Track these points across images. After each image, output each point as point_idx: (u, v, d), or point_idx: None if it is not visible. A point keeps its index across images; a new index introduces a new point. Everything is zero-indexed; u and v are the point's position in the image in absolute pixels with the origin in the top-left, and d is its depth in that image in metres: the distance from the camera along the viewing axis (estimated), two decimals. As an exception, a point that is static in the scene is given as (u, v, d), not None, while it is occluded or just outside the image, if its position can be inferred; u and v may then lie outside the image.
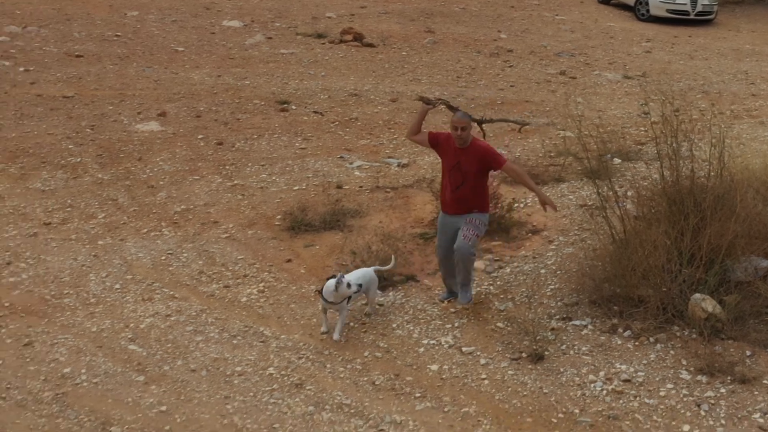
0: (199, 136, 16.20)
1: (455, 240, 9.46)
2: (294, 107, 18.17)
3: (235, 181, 14.23)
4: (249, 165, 14.96)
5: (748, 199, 10.63)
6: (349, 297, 9.35)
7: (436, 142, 9.64)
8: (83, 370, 9.15)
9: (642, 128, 17.07)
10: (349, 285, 9.17)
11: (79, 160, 14.91)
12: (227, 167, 14.82)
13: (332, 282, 9.15)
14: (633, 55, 25.14)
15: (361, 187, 13.99)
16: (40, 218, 12.77)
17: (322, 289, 9.30)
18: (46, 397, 8.69)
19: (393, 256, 10.54)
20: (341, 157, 15.44)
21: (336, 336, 9.40)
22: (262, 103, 18.41)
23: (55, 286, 10.83)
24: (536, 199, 12.81)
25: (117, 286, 10.88)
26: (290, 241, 12.15)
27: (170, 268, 11.38)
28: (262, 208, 13.18)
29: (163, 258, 11.63)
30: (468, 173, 9.31)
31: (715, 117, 15.28)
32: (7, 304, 10.38)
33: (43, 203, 13.26)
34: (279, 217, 12.83)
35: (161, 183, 14.13)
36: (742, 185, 10.74)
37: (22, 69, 20.17)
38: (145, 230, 12.48)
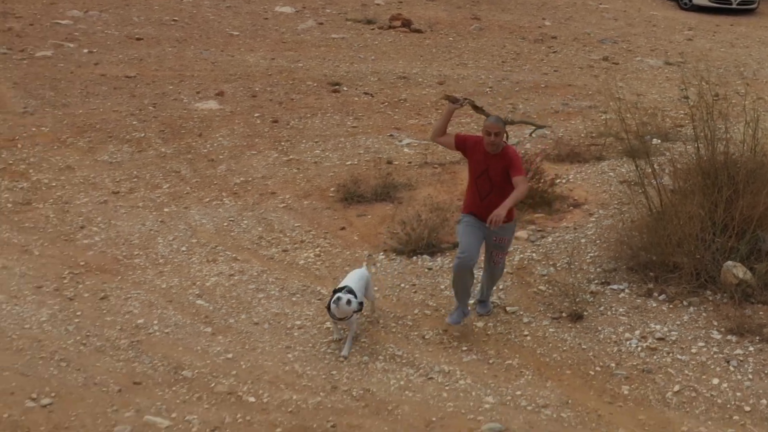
0: (256, 115, 16.82)
1: (479, 244, 9.00)
2: (345, 89, 18.76)
3: (291, 156, 14.83)
4: (303, 141, 15.56)
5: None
6: (361, 304, 8.89)
7: (463, 145, 8.93)
8: (155, 322, 9.82)
9: (681, 111, 17.47)
10: (349, 302, 8.66)
11: (143, 135, 15.58)
12: (283, 143, 15.42)
13: (343, 298, 8.73)
14: (675, 43, 25.47)
15: (410, 162, 14.54)
16: (109, 188, 13.45)
17: (329, 305, 8.84)
18: (122, 344, 9.36)
19: (365, 263, 10.09)
20: (391, 135, 16.00)
21: (344, 352, 8.96)
22: (315, 84, 19.00)
23: (126, 248, 11.51)
24: (578, 175, 13.44)
25: (183, 248, 11.54)
26: (343, 211, 12.74)
27: (232, 234, 12.02)
28: (317, 181, 13.77)
29: (224, 224, 12.27)
30: (496, 182, 8.67)
31: (754, 101, 15.67)
32: (82, 263, 11.07)
33: (110, 174, 13.94)
34: (332, 189, 13.42)
35: (221, 157, 14.76)
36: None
37: (86, 51, 20.89)
38: (207, 199, 13.11)
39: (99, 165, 14.33)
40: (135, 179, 13.84)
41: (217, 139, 15.55)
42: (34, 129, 15.72)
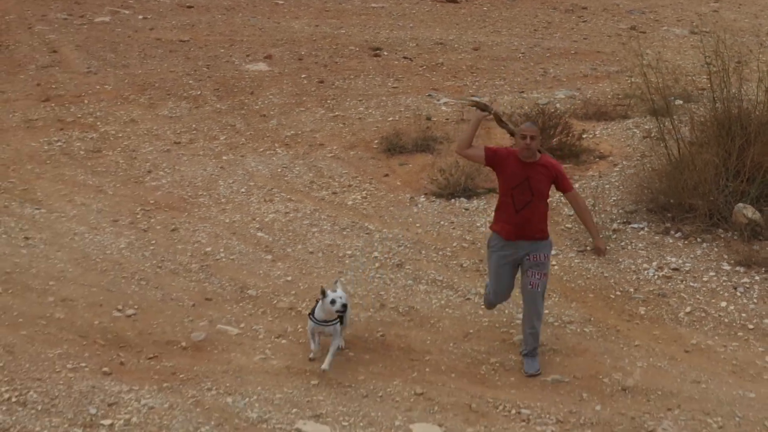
0: (302, 76, 17.77)
1: (512, 280, 8.38)
2: (386, 53, 19.66)
3: (336, 113, 15.79)
4: (348, 100, 16.50)
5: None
6: (342, 318, 8.22)
7: (494, 157, 8.05)
8: (221, 250, 10.85)
9: (704, 77, 18.23)
10: (333, 301, 8.03)
11: (199, 93, 16.58)
12: (329, 101, 16.38)
13: (330, 297, 8.09)
14: (701, 14, 26.15)
15: (447, 119, 15.47)
16: (171, 138, 14.48)
17: (313, 311, 8.25)
18: (193, 268, 10.40)
19: (338, 282, 9.05)
20: (429, 95, 16.89)
21: (325, 365, 8.11)
22: (357, 49, 19.92)
23: (191, 189, 12.54)
24: (604, 131, 14.33)
25: (242, 190, 12.56)
26: (387, 160, 13.70)
27: (285, 178, 13.02)
28: (361, 134, 14.73)
29: (278, 170, 13.27)
30: (538, 191, 7.95)
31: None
32: (152, 202, 12.11)
33: (171, 127, 14.97)
34: (376, 141, 14.38)
35: (272, 113, 15.75)
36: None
37: (140, 17, 21.92)
38: (261, 149, 14.11)
39: (160, 119, 15.33)
40: (194, 131, 14.84)
41: (267, 97, 16.51)
42: (98, 87, 16.76)
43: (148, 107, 15.78)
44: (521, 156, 7.91)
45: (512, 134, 8.15)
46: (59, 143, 14.06)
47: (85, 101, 15.85)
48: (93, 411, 7.34)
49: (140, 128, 14.76)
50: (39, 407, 7.34)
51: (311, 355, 8.33)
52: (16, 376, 7.81)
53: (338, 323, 8.17)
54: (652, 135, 14.17)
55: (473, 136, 8.21)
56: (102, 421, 7.20)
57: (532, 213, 7.98)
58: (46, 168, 13.10)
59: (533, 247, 8.09)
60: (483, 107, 8.25)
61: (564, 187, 8.16)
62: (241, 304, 9.57)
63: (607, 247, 8.30)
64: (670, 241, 10.99)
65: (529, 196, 7.91)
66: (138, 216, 11.53)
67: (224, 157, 13.65)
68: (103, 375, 8.02)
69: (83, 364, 8.20)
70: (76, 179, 12.65)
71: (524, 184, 7.89)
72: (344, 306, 8.02)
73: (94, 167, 13.14)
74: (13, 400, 7.40)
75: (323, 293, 8.09)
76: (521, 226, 7.97)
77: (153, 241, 10.87)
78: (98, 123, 14.91)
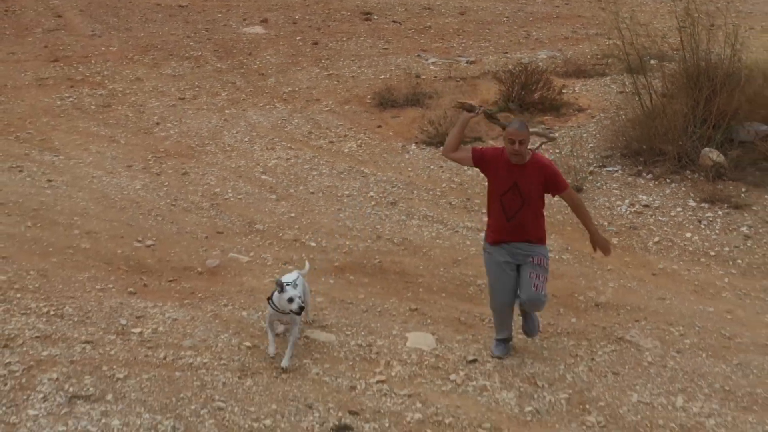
0: (298, 38, 18.55)
1: (514, 283, 7.50)
2: (376, 17, 20.44)
3: (331, 72, 16.58)
4: (341, 60, 17.30)
5: (753, 77, 12.79)
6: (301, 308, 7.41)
7: (482, 160, 7.36)
8: (229, 191, 11.68)
9: (679, 39, 19.05)
10: (291, 299, 7.33)
11: (200, 53, 17.35)
12: (323, 61, 17.17)
13: (288, 295, 7.35)
14: (677, -19, 26.91)
15: (435, 77, 16.27)
16: (175, 95, 15.27)
17: (271, 296, 7.49)
18: (204, 206, 11.22)
19: (306, 262, 8.80)
20: (418, 55, 17.69)
21: (284, 363, 7.48)
22: (349, 13, 20.70)
23: (198, 139, 13.35)
24: (583, 87, 15.15)
25: (246, 139, 13.38)
26: (379, 114, 14.52)
27: (285, 129, 13.84)
28: (355, 91, 15.54)
29: (278, 122, 14.09)
30: (529, 196, 7.18)
31: (746, 31, 17.25)
32: (162, 150, 12.93)
33: (175, 84, 15.76)
34: (369, 96, 15.19)
35: (269, 71, 16.54)
36: (748, 67, 12.92)
37: (140, -16, 22.62)
38: (261, 104, 14.92)
39: (164, 77, 16.11)
40: (197, 88, 15.62)
41: (265, 57, 17.29)
42: (103, 48, 17.52)
43: (152, 67, 16.53)
44: (511, 159, 7.12)
45: (504, 129, 7.29)
46: (71, 99, 14.82)
47: (92, 61, 16.59)
48: (123, 322, 8.14)
49: (146, 86, 15.52)
50: (75, 319, 8.13)
51: (270, 353, 7.56)
52: (52, 295, 8.60)
53: (296, 317, 7.46)
54: (627, 89, 15.00)
55: (460, 139, 7.55)
56: (132, 330, 8.00)
57: (524, 219, 7.18)
58: (61, 121, 13.86)
59: (530, 248, 7.33)
60: (470, 108, 7.59)
61: (558, 188, 7.30)
62: (249, 237, 10.38)
63: (611, 246, 7.67)
64: (642, 181, 11.83)
65: (520, 201, 7.11)
66: (150, 162, 12.31)
67: (227, 111, 14.43)
68: (129, 294, 8.82)
69: (110, 286, 9.00)
70: (90, 130, 13.42)
71: (513, 190, 7.12)
72: (301, 308, 7.30)
73: (106, 120, 13.90)
74: (51, 313, 8.19)
75: (281, 287, 7.32)
76: (515, 231, 7.25)
77: (166, 183, 11.67)
78: (106, 81, 15.67)
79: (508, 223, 7.24)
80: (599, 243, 7.56)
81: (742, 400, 7.49)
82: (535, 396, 7.40)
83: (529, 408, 7.22)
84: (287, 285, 7.35)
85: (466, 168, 12.06)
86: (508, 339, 7.91)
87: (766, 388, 7.67)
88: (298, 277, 7.70)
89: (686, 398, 7.43)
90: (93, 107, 14.36)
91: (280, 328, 7.97)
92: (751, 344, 8.42)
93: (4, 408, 6.53)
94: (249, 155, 12.63)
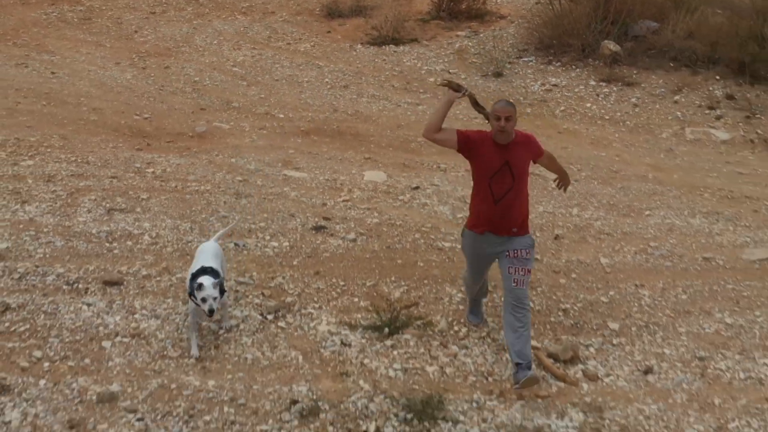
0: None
1: (489, 264, 6.82)
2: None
3: (282, -10, 18.41)
4: (291, -20, 19.11)
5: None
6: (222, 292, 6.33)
7: (468, 142, 6.46)
8: (207, 79, 13.53)
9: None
10: (204, 299, 6.09)
11: (164, -24, 19.03)
12: (275, -18, 18.97)
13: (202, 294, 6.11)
14: None
15: (376, -8, 18.19)
16: (146, 10, 16.99)
17: (192, 291, 6.25)
18: (187, 90, 13.07)
19: (235, 216, 8.54)
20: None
21: (226, 323, 6.69)
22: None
23: (173, 42, 15.14)
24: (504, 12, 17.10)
25: (215, 42, 15.20)
26: (328, 22, 16.42)
27: (248, 35, 15.68)
28: (305, 5, 17.38)
29: (241, 29, 15.92)
30: (519, 174, 6.45)
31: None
32: (143, 51, 14.71)
33: (145, 1, 17.47)
34: (318, 9, 17.05)
35: (228, -9, 18.32)
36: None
37: None
38: (224, 17, 16.71)
39: (135, -4, 17.81)
40: (164, 5, 17.35)
41: (223, -21, 19.02)
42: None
43: (122, -13, 18.18)
44: (496, 139, 6.36)
45: (488, 119, 6.58)
46: (54, 14, 16.47)
47: (67, -17, 18.16)
48: (138, 165, 10.00)
49: (119, 3, 17.24)
50: (99, 164, 9.95)
51: (194, 354, 6.32)
52: (75, 150, 10.39)
53: (221, 296, 6.28)
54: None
55: (443, 120, 6.50)
56: (146, 170, 9.86)
57: (513, 200, 6.47)
58: (50, 30, 15.54)
59: (511, 242, 6.54)
60: (456, 87, 6.63)
61: (539, 153, 6.61)
62: (228, 112, 12.27)
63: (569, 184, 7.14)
64: (552, 68, 13.93)
65: (510, 182, 6.40)
66: (135, 60, 14.09)
67: (194, 22, 16.21)
68: (137, 150, 10.66)
69: (120, 145, 10.83)
70: (77, 37, 15.13)
71: (504, 170, 6.40)
72: (211, 311, 6.12)
73: (90, 30, 15.61)
74: (79, 161, 9.99)
75: (199, 287, 6.13)
76: (501, 217, 6.50)
77: (152, 75, 13.47)
78: (82, -1, 17.31)
79: (496, 206, 6.46)
80: (564, 179, 7.00)
81: (622, 210, 9.60)
82: (464, 209, 9.43)
83: (460, 215, 9.23)
84: (203, 283, 6.15)
85: (405, 61, 14.06)
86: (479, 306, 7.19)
87: (641, 202, 9.80)
88: (216, 255, 6.67)
89: (580, 209, 9.51)
90: (76, 20, 16.02)
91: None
92: (632, 176, 10.55)
93: (59, 216, 8.33)
94: (219, 53, 14.44)
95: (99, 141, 10.74)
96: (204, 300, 6.10)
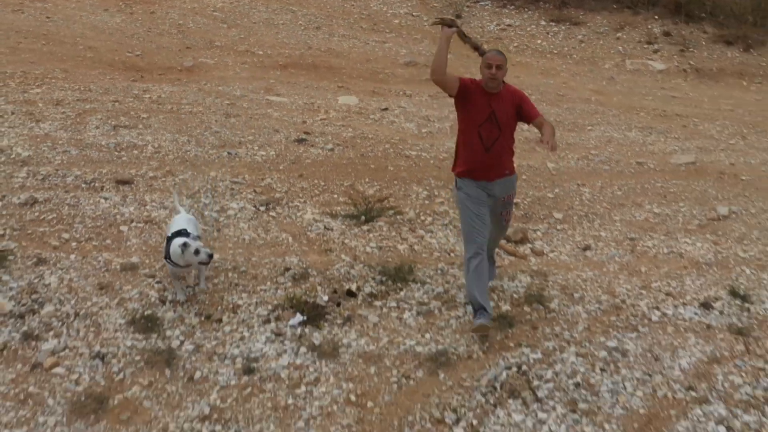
0: None
1: (488, 225, 6.59)
2: None
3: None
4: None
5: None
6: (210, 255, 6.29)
7: (466, 91, 6.38)
8: (190, 22, 14.36)
9: None
10: (197, 251, 6.16)
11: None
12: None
13: (178, 244, 6.20)
14: None
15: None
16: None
17: (168, 254, 6.30)
18: (173, 32, 13.89)
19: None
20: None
21: (202, 285, 6.63)
22: None
23: (154, -9, 16.00)
24: None
25: (195, -9, 16.06)
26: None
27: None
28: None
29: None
30: (505, 124, 6.43)
31: None
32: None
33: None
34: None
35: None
36: None
37: None
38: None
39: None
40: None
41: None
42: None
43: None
44: (486, 87, 6.32)
45: (476, 49, 6.61)
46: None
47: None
48: (135, 92, 10.86)
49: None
50: (100, 91, 10.79)
51: (180, 299, 6.47)
52: (77, 81, 11.23)
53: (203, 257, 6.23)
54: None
55: (446, 59, 6.29)
56: (144, 96, 10.74)
57: (501, 149, 6.45)
58: (39, -19, 16.27)
59: (507, 184, 6.62)
60: (450, 23, 6.51)
61: (531, 114, 6.44)
62: (212, 50, 13.15)
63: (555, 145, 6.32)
64: (506, 11, 14.93)
65: (497, 131, 6.37)
66: (122, 6, 14.88)
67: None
68: (132, 81, 11.54)
69: (117, 77, 11.68)
70: (61, -8, 15.91)
71: (491, 120, 6.36)
72: (210, 255, 6.25)
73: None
74: (82, 89, 10.85)
75: (185, 245, 6.18)
76: (493, 164, 6.47)
77: (139, 19, 14.30)
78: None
79: (487, 154, 6.42)
80: (551, 143, 6.24)
81: (567, 126, 10.61)
82: (428, 125, 10.45)
83: (425, 130, 10.24)
84: (187, 240, 6.23)
85: (372, 5, 14.99)
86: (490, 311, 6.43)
87: (584, 120, 10.84)
88: (189, 221, 6.67)
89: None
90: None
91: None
92: (577, 99, 11.60)
93: (71, 132, 9.20)
94: (200, 0, 15.29)
95: (97, 74, 11.57)
96: (197, 252, 6.15)
